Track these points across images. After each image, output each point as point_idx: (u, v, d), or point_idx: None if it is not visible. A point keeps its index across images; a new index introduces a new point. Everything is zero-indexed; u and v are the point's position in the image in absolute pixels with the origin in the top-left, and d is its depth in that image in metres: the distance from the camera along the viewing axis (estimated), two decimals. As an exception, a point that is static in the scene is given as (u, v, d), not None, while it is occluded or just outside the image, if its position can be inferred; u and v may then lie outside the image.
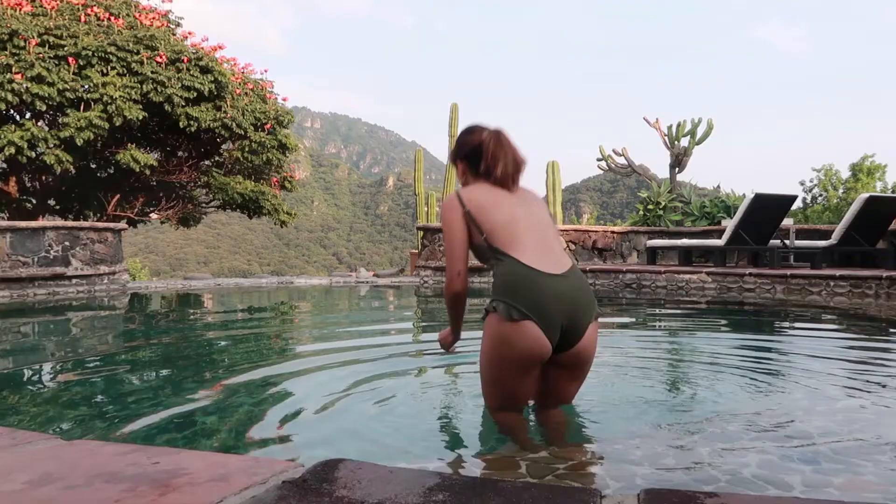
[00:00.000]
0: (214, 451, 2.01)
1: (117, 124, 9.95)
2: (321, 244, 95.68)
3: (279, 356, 4.03)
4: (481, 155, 1.95)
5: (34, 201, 12.20)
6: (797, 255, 8.85)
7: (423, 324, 5.93)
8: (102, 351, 4.19)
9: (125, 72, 10.13)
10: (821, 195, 28.34)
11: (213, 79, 10.76)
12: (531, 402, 2.15)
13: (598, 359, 3.61)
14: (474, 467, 1.80)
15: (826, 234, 9.49)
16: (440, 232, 10.40)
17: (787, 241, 8.74)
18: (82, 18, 10.47)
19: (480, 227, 1.93)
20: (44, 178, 11.81)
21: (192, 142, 12.25)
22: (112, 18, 10.69)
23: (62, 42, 9.89)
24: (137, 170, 10.58)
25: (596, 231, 10.94)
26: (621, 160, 16.18)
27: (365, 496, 1.06)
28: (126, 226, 10.14)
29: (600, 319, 2.02)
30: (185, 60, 10.49)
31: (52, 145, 9.89)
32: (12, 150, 9.34)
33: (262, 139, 11.82)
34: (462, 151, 2.01)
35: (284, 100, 13.10)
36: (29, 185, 12.01)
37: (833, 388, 2.90)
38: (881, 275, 6.66)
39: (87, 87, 9.99)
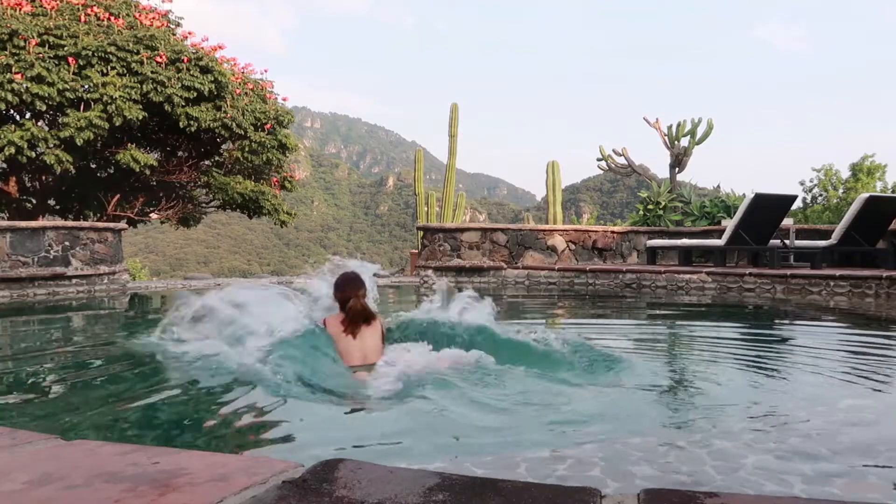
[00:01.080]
0: (214, 451, 2.01)
1: (117, 124, 9.94)
2: (321, 244, 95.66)
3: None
4: (346, 305, 3.12)
5: (34, 201, 12.19)
6: (797, 255, 8.85)
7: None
8: (101, 350, 4.19)
9: (125, 72, 10.12)
10: (821, 195, 28.31)
11: (213, 79, 10.75)
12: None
13: (597, 359, 3.61)
14: (474, 467, 1.80)
15: (826, 234, 9.49)
16: (440, 232, 10.43)
17: (787, 241, 8.74)
18: (82, 18, 10.46)
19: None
20: (44, 178, 11.81)
21: (192, 142, 12.24)
22: (112, 18, 10.68)
23: (62, 42, 9.88)
24: (137, 170, 10.57)
25: (596, 231, 10.94)
26: (621, 160, 16.17)
27: (365, 496, 1.06)
28: (126, 226, 10.13)
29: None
30: (185, 60, 10.49)
31: (52, 145, 9.88)
32: (12, 150, 9.34)
33: (262, 139, 11.81)
34: (336, 298, 3.22)
35: (284, 100, 13.10)
36: (29, 185, 12.00)
37: (833, 387, 2.90)
38: (881, 275, 6.66)
39: (87, 87, 9.98)
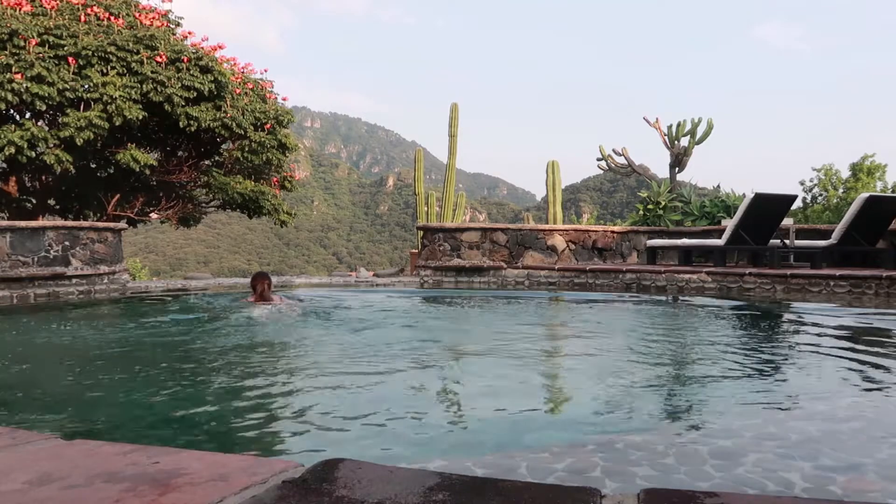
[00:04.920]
0: (214, 451, 2.01)
1: (117, 124, 9.93)
2: (321, 244, 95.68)
3: (278, 356, 4.03)
4: (256, 290, 5.93)
5: (34, 201, 12.18)
6: (797, 255, 8.85)
7: (422, 323, 5.93)
8: (101, 350, 4.19)
9: (125, 71, 10.12)
10: (821, 195, 28.31)
11: (213, 78, 10.74)
12: None
13: (596, 359, 3.62)
14: (474, 467, 1.80)
15: (826, 234, 9.49)
16: (440, 232, 10.42)
17: (787, 241, 8.74)
18: (82, 18, 10.45)
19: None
20: (44, 177, 11.80)
21: (192, 141, 12.23)
22: (112, 18, 10.67)
23: (62, 42, 9.87)
24: (137, 169, 10.57)
25: (596, 231, 10.94)
26: (621, 160, 16.19)
27: (365, 496, 1.06)
28: (126, 226, 10.12)
29: None
30: (185, 60, 10.48)
31: (52, 145, 9.87)
32: (12, 149, 9.33)
33: (262, 139, 11.80)
34: (252, 285, 6.03)
35: (284, 100, 13.07)
36: (29, 184, 11.99)
37: (833, 385, 2.90)
38: (881, 275, 6.66)
39: (86, 86, 9.97)
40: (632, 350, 4.02)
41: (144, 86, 10.12)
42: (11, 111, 10.25)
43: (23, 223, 7.97)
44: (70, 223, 8.23)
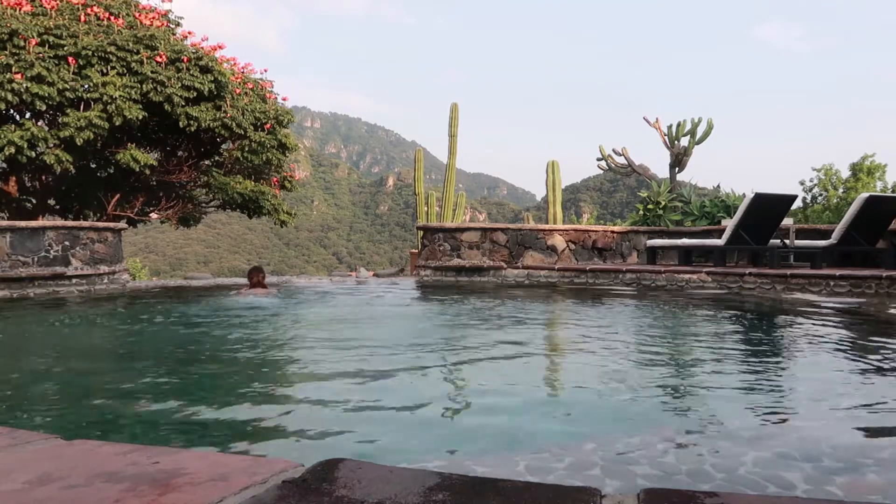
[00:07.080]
0: (214, 451, 2.01)
1: (117, 124, 9.93)
2: (321, 244, 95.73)
3: (278, 355, 4.03)
4: (252, 281, 7.28)
5: (34, 201, 12.19)
6: (797, 255, 8.85)
7: (423, 323, 5.93)
8: (101, 350, 4.19)
9: (125, 71, 10.12)
10: (821, 195, 28.29)
11: (212, 78, 10.74)
12: None
13: (597, 358, 3.62)
14: (474, 467, 1.80)
15: (826, 234, 9.49)
16: (440, 231, 10.43)
17: (787, 241, 8.74)
18: (82, 18, 10.46)
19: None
20: (44, 177, 11.80)
21: (191, 141, 12.24)
22: (112, 18, 10.67)
23: (62, 42, 9.87)
24: (137, 169, 10.57)
25: (596, 231, 10.94)
26: (621, 160, 16.19)
27: (365, 496, 1.06)
28: (126, 225, 10.12)
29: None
30: (185, 60, 10.48)
31: (52, 145, 9.87)
32: (12, 149, 9.33)
33: (262, 139, 11.81)
34: (248, 277, 7.37)
35: (284, 99, 13.08)
36: (29, 184, 11.99)
37: (833, 386, 2.90)
38: (881, 274, 6.66)
39: (86, 86, 9.97)
40: (632, 349, 4.02)
41: (144, 86, 10.13)
42: (11, 111, 10.25)
43: (23, 223, 7.97)
44: (70, 223, 8.23)
